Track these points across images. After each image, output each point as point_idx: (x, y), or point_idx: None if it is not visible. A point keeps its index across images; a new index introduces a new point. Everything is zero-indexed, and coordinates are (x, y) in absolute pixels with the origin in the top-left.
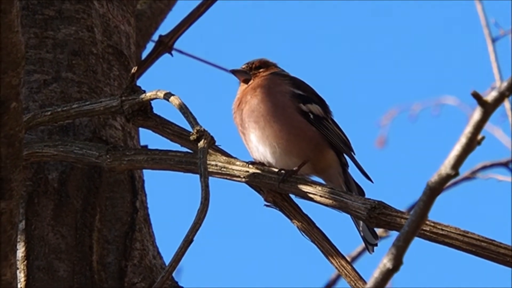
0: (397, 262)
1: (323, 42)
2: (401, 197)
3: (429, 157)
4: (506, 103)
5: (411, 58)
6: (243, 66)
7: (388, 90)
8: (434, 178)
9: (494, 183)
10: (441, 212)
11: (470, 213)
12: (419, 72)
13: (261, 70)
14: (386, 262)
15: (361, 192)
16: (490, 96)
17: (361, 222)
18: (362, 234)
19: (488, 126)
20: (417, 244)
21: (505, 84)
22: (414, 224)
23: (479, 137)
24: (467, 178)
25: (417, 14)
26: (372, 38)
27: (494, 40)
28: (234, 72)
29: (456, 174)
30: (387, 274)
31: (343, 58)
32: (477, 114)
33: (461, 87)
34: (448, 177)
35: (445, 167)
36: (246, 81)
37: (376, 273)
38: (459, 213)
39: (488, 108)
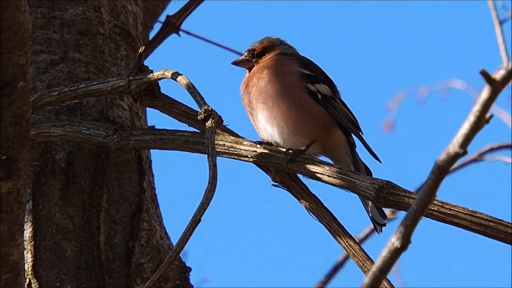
0: (406, 240)
1: (332, 24)
2: (408, 181)
3: (436, 141)
4: None
5: (419, 41)
6: (245, 54)
7: (396, 74)
8: (442, 156)
9: (501, 165)
10: (449, 193)
11: (477, 194)
12: (426, 56)
13: (263, 57)
14: (394, 240)
15: (369, 173)
16: (498, 74)
17: (369, 202)
18: (370, 214)
19: (496, 110)
20: (426, 224)
21: None
22: (423, 203)
23: (487, 115)
24: (474, 160)
25: None
26: (380, 22)
27: (501, 22)
28: (236, 64)
29: (465, 152)
30: (395, 253)
31: (351, 42)
32: (485, 92)
33: (468, 70)
34: (456, 156)
35: (454, 145)
36: (251, 69)
37: (384, 252)
38: (467, 194)
39: (496, 86)
